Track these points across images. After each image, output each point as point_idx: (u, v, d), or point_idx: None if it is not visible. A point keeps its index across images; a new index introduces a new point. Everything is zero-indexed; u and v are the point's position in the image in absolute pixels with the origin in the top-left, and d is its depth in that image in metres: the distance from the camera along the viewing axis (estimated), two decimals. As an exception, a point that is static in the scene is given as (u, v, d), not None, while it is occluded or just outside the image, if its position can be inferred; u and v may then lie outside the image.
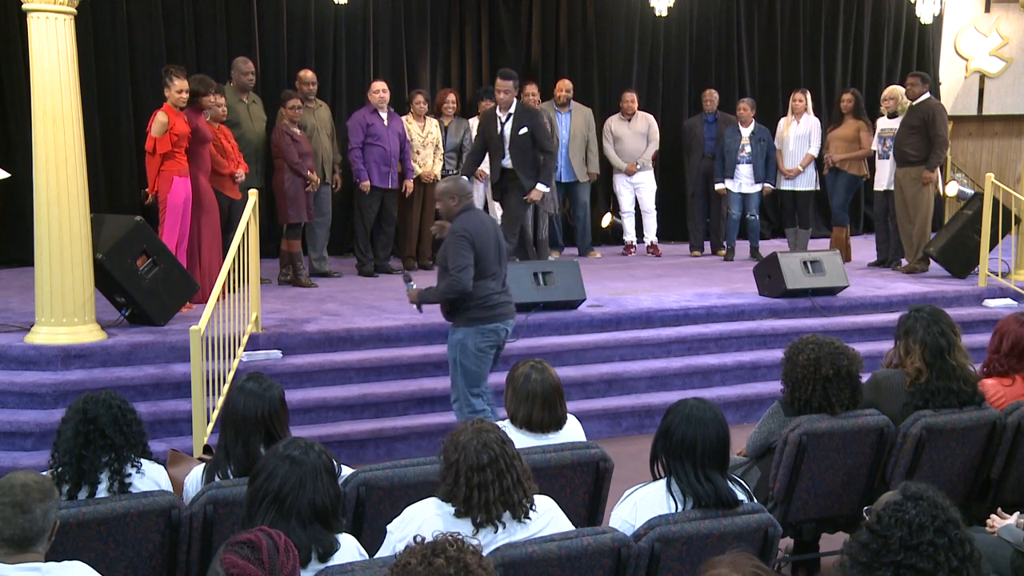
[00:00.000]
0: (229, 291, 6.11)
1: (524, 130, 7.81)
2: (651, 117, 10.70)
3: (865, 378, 4.39)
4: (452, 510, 3.10)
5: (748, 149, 10.01)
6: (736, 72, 11.90)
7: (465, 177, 7.76)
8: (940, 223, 10.60)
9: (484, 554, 2.39)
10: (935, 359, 4.31)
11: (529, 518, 3.14)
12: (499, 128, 7.91)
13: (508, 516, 3.10)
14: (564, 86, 10.21)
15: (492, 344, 5.66)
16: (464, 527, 3.06)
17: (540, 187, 7.90)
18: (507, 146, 7.88)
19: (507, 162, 7.93)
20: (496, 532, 3.08)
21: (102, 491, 3.52)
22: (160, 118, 7.04)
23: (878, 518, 2.55)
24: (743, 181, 10.05)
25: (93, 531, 3.33)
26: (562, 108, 10.16)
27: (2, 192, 9.18)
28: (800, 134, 9.99)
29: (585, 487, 3.94)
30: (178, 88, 7.08)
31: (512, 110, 7.88)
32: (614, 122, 10.59)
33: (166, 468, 3.92)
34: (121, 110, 9.44)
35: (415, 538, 2.40)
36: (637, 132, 10.51)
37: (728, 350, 7.50)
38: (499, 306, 5.64)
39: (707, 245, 10.85)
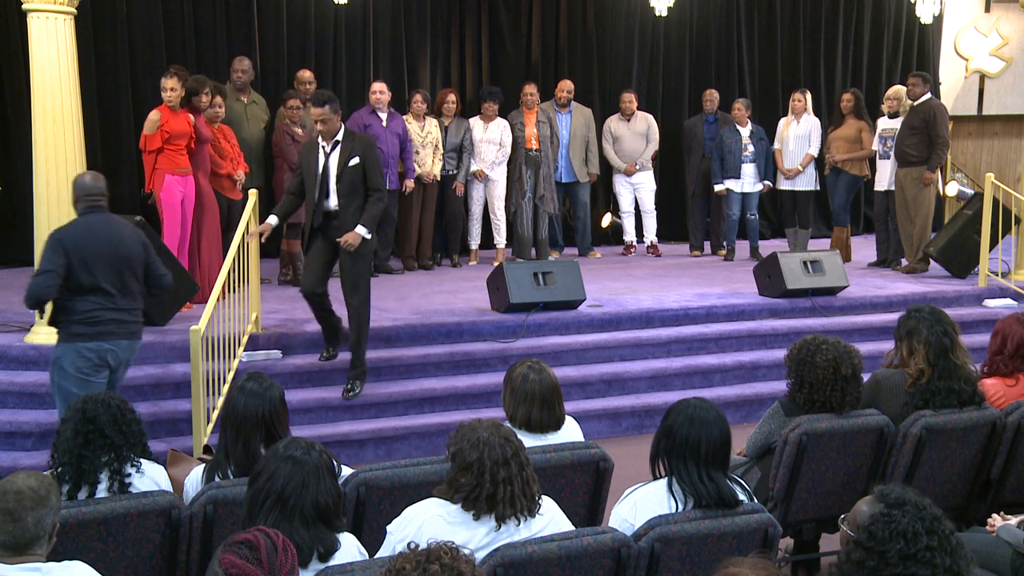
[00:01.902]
0: (229, 291, 6.11)
1: (355, 160, 6.13)
2: (650, 117, 10.69)
3: (865, 378, 4.40)
4: (454, 508, 3.09)
5: (751, 149, 10.01)
6: (736, 72, 11.89)
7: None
8: (940, 223, 10.60)
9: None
10: (939, 359, 4.32)
11: (541, 513, 3.16)
12: (321, 160, 6.19)
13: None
14: (565, 87, 10.20)
15: (95, 366, 4.94)
16: (468, 525, 3.07)
17: (359, 230, 6.11)
18: (332, 182, 6.18)
19: (331, 203, 6.20)
20: (519, 525, 3.09)
21: (102, 491, 3.53)
22: (152, 116, 7.05)
23: (870, 534, 2.49)
24: (747, 181, 10.05)
25: (93, 531, 3.34)
26: (562, 108, 10.16)
27: (2, 192, 9.19)
28: (800, 134, 9.99)
29: (585, 487, 3.94)
30: (162, 87, 7.11)
31: (339, 137, 6.20)
32: (613, 122, 10.59)
33: (166, 468, 3.92)
34: (121, 110, 9.44)
35: (409, 544, 2.40)
36: (636, 132, 10.51)
37: (728, 350, 7.50)
38: (105, 323, 4.92)
39: (707, 245, 10.85)
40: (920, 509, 2.50)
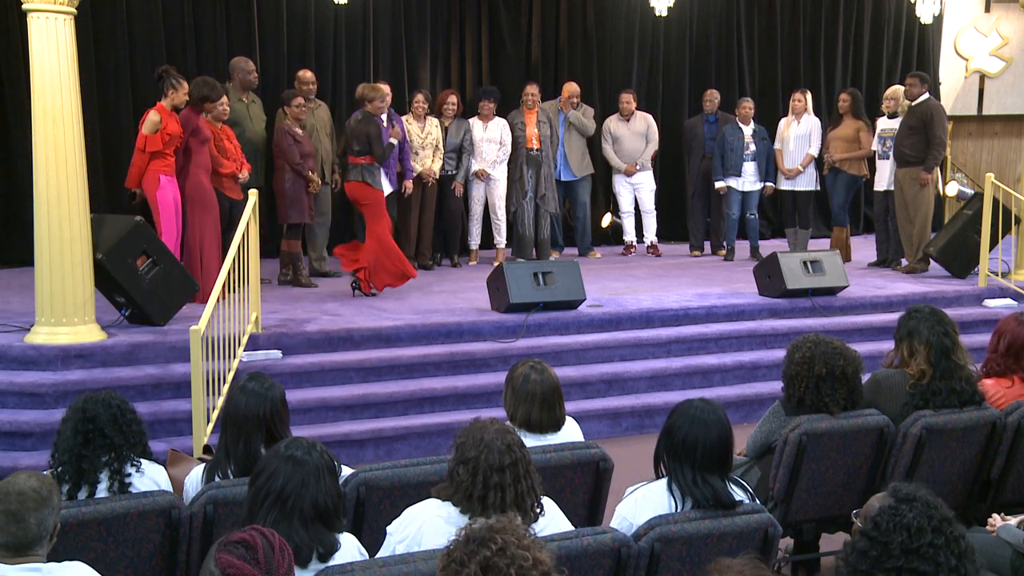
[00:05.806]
0: (229, 291, 6.10)
1: None
2: (650, 117, 10.69)
3: (865, 378, 4.40)
4: (455, 509, 3.09)
5: (753, 147, 10.01)
6: (736, 72, 11.89)
7: None
8: (940, 223, 10.59)
9: None
10: (940, 359, 4.32)
11: (537, 523, 3.14)
12: None
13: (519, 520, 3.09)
14: (572, 90, 10.18)
15: None
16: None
17: None
18: None
19: None
20: None
21: (102, 491, 3.52)
22: (152, 117, 7.07)
23: (875, 524, 2.53)
24: (747, 179, 10.05)
25: (93, 531, 3.33)
26: (567, 110, 10.17)
27: (2, 192, 9.19)
28: (800, 134, 9.99)
29: (585, 487, 3.93)
30: (185, 91, 7.19)
31: None
32: (613, 122, 10.59)
33: (166, 468, 3.92)
34: (121, 110, 9.44)
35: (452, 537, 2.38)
36: (636, 132, 10.51)
37: (728, 350, 7.49)
38: None
39: (707, 245, 10.85)
40: (929, 507, 2.53)
